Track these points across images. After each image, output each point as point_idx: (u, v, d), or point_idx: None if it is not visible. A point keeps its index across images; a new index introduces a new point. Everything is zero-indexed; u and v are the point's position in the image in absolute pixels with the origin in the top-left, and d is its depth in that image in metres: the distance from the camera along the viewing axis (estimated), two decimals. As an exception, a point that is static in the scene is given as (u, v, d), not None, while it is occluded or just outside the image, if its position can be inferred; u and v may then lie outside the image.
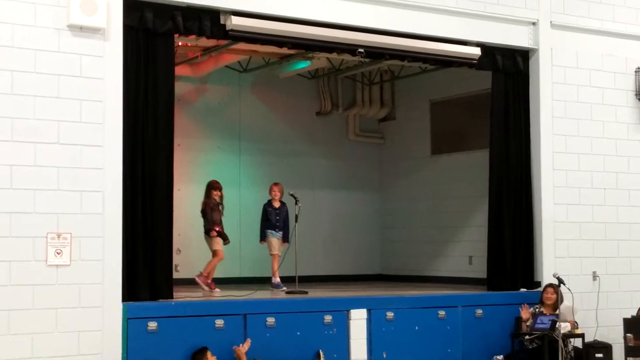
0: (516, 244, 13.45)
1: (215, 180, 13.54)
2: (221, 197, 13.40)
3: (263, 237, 13.79)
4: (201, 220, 13.19)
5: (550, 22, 13.69)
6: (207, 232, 13.20)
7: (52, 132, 9.94)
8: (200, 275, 13.10)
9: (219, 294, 12.64)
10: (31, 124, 9.84)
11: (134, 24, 10.67)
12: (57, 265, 9.89)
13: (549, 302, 12.58)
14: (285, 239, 13.73)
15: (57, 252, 9.90)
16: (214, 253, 13.19)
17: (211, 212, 13.21)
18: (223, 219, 13.32)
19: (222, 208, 13.39)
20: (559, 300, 12.45)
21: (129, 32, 10.58)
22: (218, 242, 13.19)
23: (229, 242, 13.40)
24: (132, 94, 10.59)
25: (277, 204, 13.79)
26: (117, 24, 10.38)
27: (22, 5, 9.86)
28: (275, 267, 13.62)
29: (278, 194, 13.79)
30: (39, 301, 9.77)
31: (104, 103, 10.24)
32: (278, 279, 13.62)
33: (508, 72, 13.59)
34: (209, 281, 13.11)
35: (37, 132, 9.86)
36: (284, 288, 13.35)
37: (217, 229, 13.16)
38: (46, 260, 9.84)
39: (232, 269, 13.81)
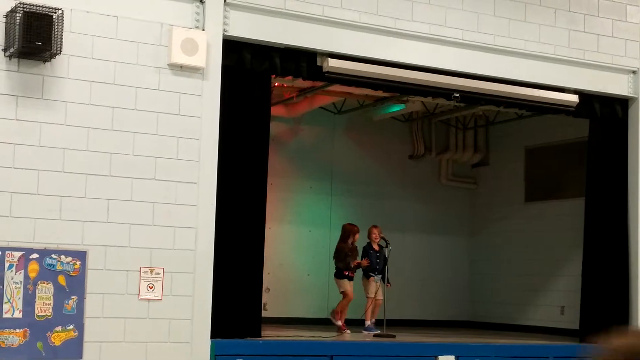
0: (611, 296, 13.12)
1: (353, 224, 13.76)
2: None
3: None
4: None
5: (651, 70, 13.47)
6: (338, 274, 13.49)
7: (148, 168, 10.09)
8: (333, 312, 13.46)
9: (348, 335, 12.90)
10: (129, 160, 10.00)
11: (233, 64, 10.81)
12: (148, 300, 10.00)
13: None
14: (387, 281, 13.76)
15: (149, 287, 10.01)
16: (343, 294, 13.44)
17: (347, 257, 13.44)
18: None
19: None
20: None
21: (227, 71, 10.71)
22: (345, 284, 13.43)
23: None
24: (227, 132, 10.71)
25: (376, 247, 13.77)
26: (216, 64, 10.52)
27: (124, 44, 10.06)
28: (370, 309, 13.68)
29: (379, 237, 13.74)
30: (130, 334, 9.88)
31: (200, 141, 10.36)
32: (369, 322, 13.65)
33: (606, 120, 13.36)
34: (341, 322, 13.29)
35: (134, 168, 10.02)
36: (377, 331, 13.28)
37: (351, 274, 13.48)
38: (138, 294, 9.96)
39: (321, 309, 13.78)
